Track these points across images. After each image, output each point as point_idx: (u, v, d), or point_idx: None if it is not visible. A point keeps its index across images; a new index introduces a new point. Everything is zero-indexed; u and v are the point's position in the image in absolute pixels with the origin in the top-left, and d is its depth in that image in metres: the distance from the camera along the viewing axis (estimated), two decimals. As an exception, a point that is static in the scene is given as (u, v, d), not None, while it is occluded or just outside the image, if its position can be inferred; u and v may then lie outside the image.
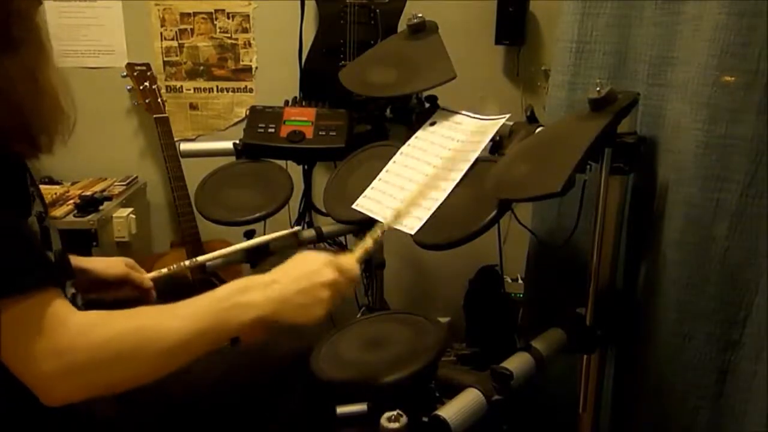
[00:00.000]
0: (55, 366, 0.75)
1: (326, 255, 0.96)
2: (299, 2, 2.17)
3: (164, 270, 1.23)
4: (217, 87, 2.33)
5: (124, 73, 2.19)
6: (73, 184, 2.21)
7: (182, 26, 2.27)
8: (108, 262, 1.17)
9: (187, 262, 1.25)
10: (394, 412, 0.94)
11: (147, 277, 1.20)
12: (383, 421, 0.94)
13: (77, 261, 1.13)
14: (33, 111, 0.81)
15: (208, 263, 1.37)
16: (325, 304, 0.92)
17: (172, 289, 1.21)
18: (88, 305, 1.07)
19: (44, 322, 0.75)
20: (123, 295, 1.16)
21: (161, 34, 2.28)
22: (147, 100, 2.17)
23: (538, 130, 1.28)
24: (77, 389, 0.78)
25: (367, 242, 1.06)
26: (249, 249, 1.44)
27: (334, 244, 1.77)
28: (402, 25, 1.94)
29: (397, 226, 1.20)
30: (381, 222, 1.10)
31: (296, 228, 1.55)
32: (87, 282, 1.13)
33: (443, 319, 2.36)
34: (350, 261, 0.98)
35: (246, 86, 2.32)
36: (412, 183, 1.32)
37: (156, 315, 0.84)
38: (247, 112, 1.81)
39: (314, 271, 0.92)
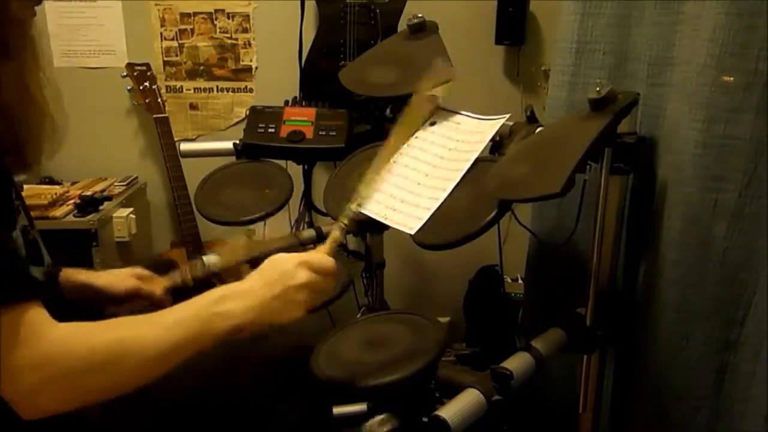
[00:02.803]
0: (34, 379, 0.75)
1: (298, 256, 0.96)
2: (299, 2, 2.17)
3: (178, 279, 1.22)
4: (217, 87, 2.33)
5: (124, 73, 2.19)
6: (73, 184, 2.21)
7: (182, 26, 2.27)
8: (116, 277, 1.16)
9: (199, 267, 1.24)
10: (383, 416, 0.94)
11: (159, 289, 1.19)
12: (373, 424, 0.94)
13: (84, 276, 1.13)
14: (22, 123, 0.80)
15: (208, 263, 1.37)
16: (302, 306, 0.93)
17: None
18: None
19: (22, 335, 0.74)
20: (137, 309, 1.15)
21: (161, 34, 2.28)
22: (147, 100, 2.17)
23: (538, 130, 1.28)
24: (56, 402, 0.78)
25: (335, 234, 1.06)
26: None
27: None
28: (402, 25, 1.94)
29: (365, 211, 1.17)
30: (347, 211, 1.09)
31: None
32: (97, 298, 1.12)
33: (443, 319, 2.36)
34: (321, 257, 0.98)
35: (246, 86, 2.33)
36: (412, 183, 1.32)
37: (134, 326, 0.84)
38: (247, 112, 1.82)
39: (287, 276, 0.92)
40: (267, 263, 0.95)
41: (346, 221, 1.07)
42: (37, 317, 0.77)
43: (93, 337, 0.80)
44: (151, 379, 0.83)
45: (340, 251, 1.04)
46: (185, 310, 0.87)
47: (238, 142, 1.73)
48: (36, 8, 0.85)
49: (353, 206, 1.09)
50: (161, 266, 1.24)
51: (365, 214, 1.32)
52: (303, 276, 0.93)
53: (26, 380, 0.75)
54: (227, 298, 0.89)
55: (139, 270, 1.20)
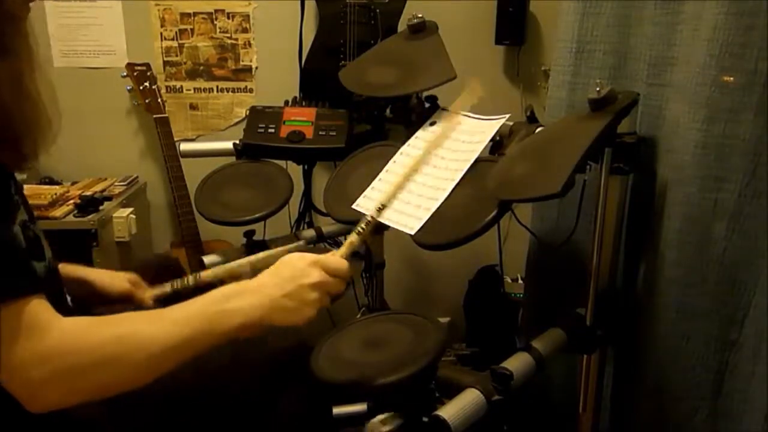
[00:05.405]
0: (41, 372, 0.75)
1: (312, 255, 0.95)
2: (299, 2, 2.18)
3: (168, 288, 1.22)
4: (217, 87, 2.33)
5: (124, 73, 2.19)
6: (73, 184, 2.21)
7: (182, 26, 2.27)
8: (112, 278, 1.17)
9: (191, 278, 1.24)
10: (386, 415, 0.94)
11: (149, 296, 1.20)
12: (375, 423, 0.93)
13: (81, 272, 1.13)
14: (18, 118, 0.80)
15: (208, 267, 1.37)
16: (313, 305, 0.92)
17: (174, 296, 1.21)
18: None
19: (28, 329, 0.75)
20: (126, 310, 1.16)
21: (161, 34, 2.28)
22: (147, 100, 2.17)
23: (538, 130, 1.28)
24: (63, 396, 0.78)
25: (353, 237, 1.05)
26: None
27: (334, 244, 1.77)
28: (402, 25, 1.94)
29: (381, 219, 1.17)
30: (365, 216, 1.08)
31: (300, 243, 1.54)
32: (89, 294, 1.13)
33: (443, 319, 2.36)
34: (336, 259, 0.97)
35: (246, 86, 2.32)
36: (412, 182, 1.32)
37: (143, 321, 0.84)
38: (247, 112, 1.82)
39: (300, 274, 0.92)
40: (280, 262, 0.95)
41: (363, 226, 1.06)
42: (41, 311, 0.77)
43: (100, 331, 0.80)
44: (158, 375, 0.82)
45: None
46: (193, 306, 0.86)
47: (238, 142, 1.73)
48: (30, 4, 0.85)
49: (374, 213, 1.07)
50: (164, 265, 1.24)
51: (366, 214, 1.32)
52: (316, 275, 0.92)
53: (32, 374, 0.75)
54: (235, 295, 0.88)
55: (134, 276, 1.20)
